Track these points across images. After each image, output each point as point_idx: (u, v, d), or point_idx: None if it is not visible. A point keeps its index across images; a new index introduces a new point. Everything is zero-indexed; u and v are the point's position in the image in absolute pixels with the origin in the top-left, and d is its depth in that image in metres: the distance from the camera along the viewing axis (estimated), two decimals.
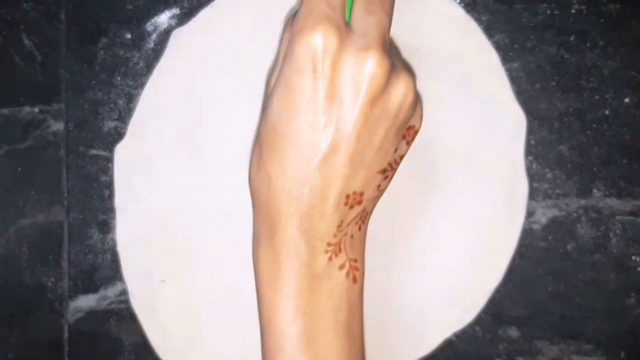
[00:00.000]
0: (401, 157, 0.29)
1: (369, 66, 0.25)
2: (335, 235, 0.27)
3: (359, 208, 0.27)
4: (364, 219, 0.28)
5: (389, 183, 0.29)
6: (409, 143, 0.29)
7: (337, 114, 0.25)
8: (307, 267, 0.27)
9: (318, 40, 0.25)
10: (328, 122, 0.25)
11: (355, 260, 0.28)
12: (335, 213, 0.26)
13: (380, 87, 0.25)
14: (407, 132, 0.28)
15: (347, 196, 0.26)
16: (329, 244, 0.27)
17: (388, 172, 0.28)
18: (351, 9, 0.27)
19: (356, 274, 0.28)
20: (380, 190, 0.28)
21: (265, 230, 0.28)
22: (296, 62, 0.25)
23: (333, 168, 0.26)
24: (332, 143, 0.25)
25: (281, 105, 0.26)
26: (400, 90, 0.26)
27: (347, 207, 0.27)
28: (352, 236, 0.28)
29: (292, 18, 0.27)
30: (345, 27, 0.26)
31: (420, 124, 0.30)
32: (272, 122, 0.27)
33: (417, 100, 0.28)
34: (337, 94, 0.25)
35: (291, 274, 0.27)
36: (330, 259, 0.27)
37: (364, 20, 0.26)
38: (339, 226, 0.27)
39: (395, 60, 0.27)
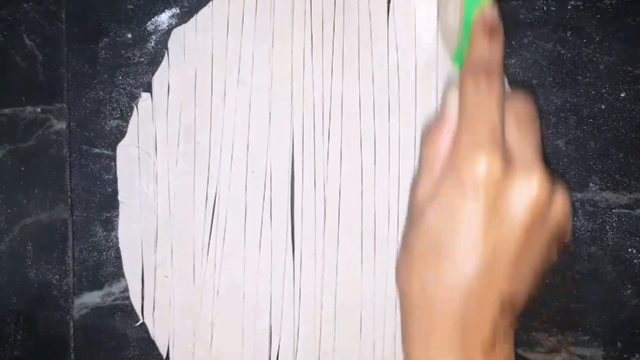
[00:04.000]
0: (551, 263, 0.30)
1: (533, 191, 0.26)
2: (489, 335, 0.28)
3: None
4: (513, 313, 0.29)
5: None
6: (559, 251, 0.30)
7: (498, 234, 0.26)
8: None
9: (483, 167, 0.26)
10: (488, 241, 0.26)
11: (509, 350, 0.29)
12: (491, 317, 0.27)
13: (542, 209, 0.26)
14: (558, 242, 0.29)
15: (502, 302, 0.27)
16: (483, 341, 0.27)
17: (537, 275, 0.29)
18: (463, 46, 0.27)
19: None
20: (528, 288, 0.29)
21: (421, 330, 0.28)
22: (461, 186, 0.26)
23: (491, 281, 0.27)
24: (489, 259, 0.26)
25: (440, 223, 0.27)
26: (559, 209, 0.27)
27: (501, 310, 0.28)
28: (503, 330, 0.28)
29: (430, 126, 0.28)
30: (504, 147, 0.26)
31: (570, 235, 0.30)
32: (427, 236, 0.28)
33: (571, 214, 0.29)
34: (499, 216, 0.26)
35: None
36: (486, 354, 0.27)
37: (519, 139, 0.27)
38: (494, 327, 0.27)
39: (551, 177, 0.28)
